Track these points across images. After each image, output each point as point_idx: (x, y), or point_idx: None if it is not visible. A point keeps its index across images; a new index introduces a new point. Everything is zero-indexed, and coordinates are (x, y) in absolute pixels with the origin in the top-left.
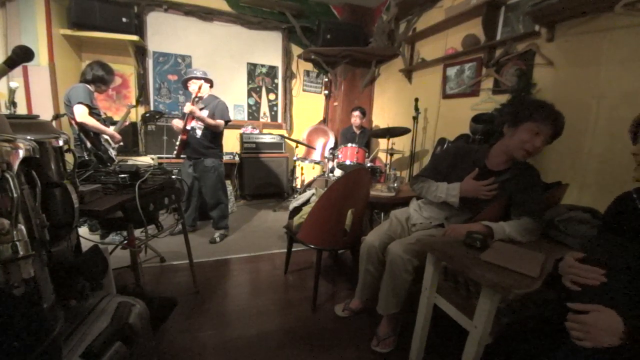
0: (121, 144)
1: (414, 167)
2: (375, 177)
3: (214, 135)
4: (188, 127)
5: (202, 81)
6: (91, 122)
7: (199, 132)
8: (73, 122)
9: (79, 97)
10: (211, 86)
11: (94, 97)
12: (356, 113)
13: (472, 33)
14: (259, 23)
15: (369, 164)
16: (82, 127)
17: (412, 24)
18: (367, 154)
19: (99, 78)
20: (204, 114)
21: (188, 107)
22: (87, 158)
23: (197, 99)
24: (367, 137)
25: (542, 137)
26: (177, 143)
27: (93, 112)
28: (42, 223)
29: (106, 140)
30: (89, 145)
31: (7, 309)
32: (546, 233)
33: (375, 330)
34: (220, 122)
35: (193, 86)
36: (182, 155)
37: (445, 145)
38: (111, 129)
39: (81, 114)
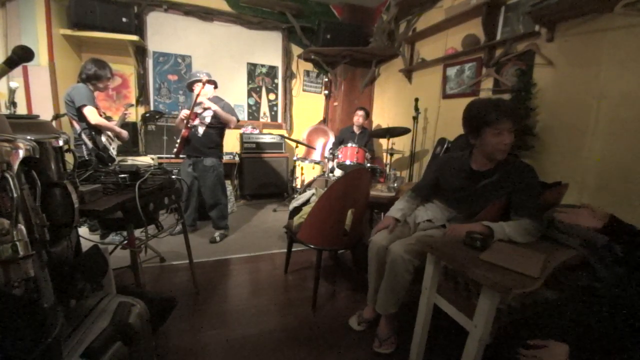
0: (117, 144)
1: (414, 167)
2: (375, 177)
3: (215, 135)
4: (190, 124)
5: (208, 85)
6: (103, 122)
7: (200, 131)
8: (74, 122)
9: (83, 99)
10: (215, 87)
11: (94, 97)
12: (360, 112)
13: (472, 33)
14: (259, 23)
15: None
16: (90, 127)
17: (412, 24)
18: (367, 154)
19: (93, 75)
20: (209, 113)
21: (188, 110)
22: (87, 158)
23: (199, 104)
24: (368, 137)
25: (507, 132)
26: (178, 141)
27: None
28: (42, 223)
29: (107, 140)
30: (90, 145)
31: (7, 309)
32: (546, 233)
33: (375, 331)
34: (233, 118)
35: (198, 89)
36: (181, 155)
37: (445, 146)
38: None
39: (93, 116)
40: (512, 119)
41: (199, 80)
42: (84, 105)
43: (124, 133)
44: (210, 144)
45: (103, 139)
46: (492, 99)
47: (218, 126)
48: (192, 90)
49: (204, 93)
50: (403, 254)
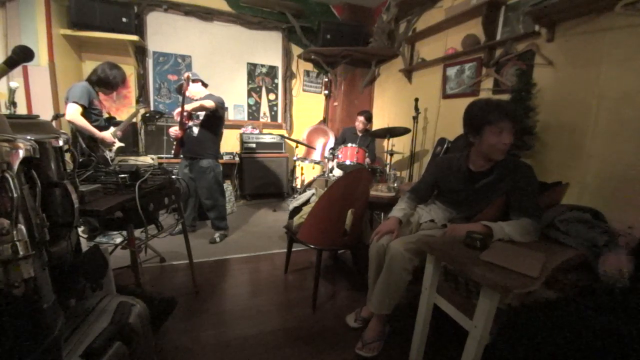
0: (116, 145)
1: (414, 167)
2: (375, 177)
3: (210, 135)
4: (186, 125)
5: (194, 84)
6: (80, 122)
7: (195, 130)
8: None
9: (75, 96)
10: (204, 85)
11: (95, 97)
12: (360, 118)
13: (472, 33)
14: (259, 23)
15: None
16: (76, 127)
17: (412, 24)
18: (367, 154)
19: (103, 81)
20: (201, 112)
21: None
22: (80, 159)
23: (190, 101)
24: (370, 140)
25: (507, 132)
26: (174, 143)
27: (92, 112)
28: (42, 223)
29: (101, 141)
30: (83, 145)
31: (7, 309)
32: (546, 233)
33: (362, 333)
34: (209, 102)
35: (186, 90)
36: (180, 155)
37: (445, 146)
38: (111, 130)
39: (71, 112)
40: (512, 119)
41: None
42: (71, 102)
43: (107, 138)
44: (206, 143)
45: (98, 140)
46: (494, 99)
47: (213, 123)
48: (182, 93)
49: (195, 92)
50: (403, 252)
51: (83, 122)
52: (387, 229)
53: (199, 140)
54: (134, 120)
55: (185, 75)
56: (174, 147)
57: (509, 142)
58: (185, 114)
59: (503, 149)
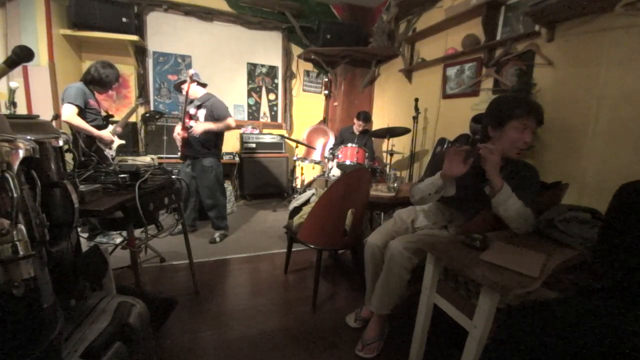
0: (116, 143)
1: (414, 167)
2: (375, 177)
3: (211, 134)
4: (187, 125)
5: (194, 85)
6: (77, 122)
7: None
8: None
9: (70, 97)
10: (203, 85)
11: (91, 97)
12: (359, 122)
13: (472, 33)
14: (259, 23)
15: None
16: (73, 127)
17: (412, 24)
18: (366, 154)
19: (97, 80)
20: (202, 113)
21: (179, 131)
22: (82, 159)
23: (190, 102)
24: (368, 137)
25: (529, 130)
26: (179, 144)
27: (89, 112)
28: (42, 223)
29: (99, 140)
30: (82, 146)
31: (7, 309)
32: (546, 233)
33: (362, 334)
34: (227, 122)
35: (186, 87)
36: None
37: (445, 146)
38: (109, 129)
39: (67, 113)
40: (538, 119)
41: (184, 82)
42: (66, 103)
43: (105, 136)
44: (208, 143)
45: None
46: (524, 96)
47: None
48: (181, 91)
49: (192, 92)
50: (402, 250)
51: (80, 122)
52: (458, 156)
53: (201, 140)
54: (133, 118)
55: (190, 73)
56: (179, 148)
57: (529, 142)
58: (186, 112)
59: (522, 147)
